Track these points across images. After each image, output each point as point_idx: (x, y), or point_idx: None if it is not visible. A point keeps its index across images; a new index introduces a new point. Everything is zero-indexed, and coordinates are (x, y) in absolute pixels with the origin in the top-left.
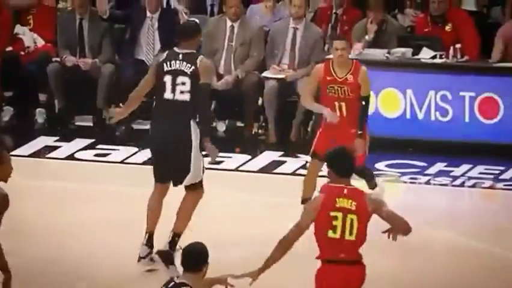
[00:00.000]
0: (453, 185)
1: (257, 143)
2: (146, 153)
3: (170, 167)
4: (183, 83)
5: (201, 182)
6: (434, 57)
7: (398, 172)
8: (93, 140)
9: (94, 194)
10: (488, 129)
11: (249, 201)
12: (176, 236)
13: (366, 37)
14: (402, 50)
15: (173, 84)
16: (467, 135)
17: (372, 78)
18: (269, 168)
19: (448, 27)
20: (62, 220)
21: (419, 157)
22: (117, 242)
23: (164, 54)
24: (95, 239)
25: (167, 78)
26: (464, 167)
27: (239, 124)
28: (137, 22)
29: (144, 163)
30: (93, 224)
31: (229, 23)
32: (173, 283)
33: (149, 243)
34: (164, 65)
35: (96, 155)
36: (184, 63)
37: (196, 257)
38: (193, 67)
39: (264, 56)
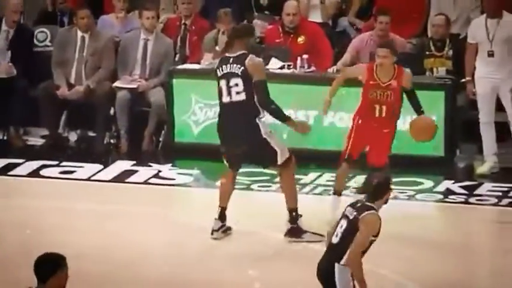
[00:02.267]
0: (302, 192)
1: (109, 152)
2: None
3: (244, 159)
4: (236, 84)
5: (289, 158)
6: (282, 67)
7: (249, 180)
8: None
9: None
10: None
11: (101, 211)
12: (292, 211)
13: (217, 47)
14: None
15: (228, 87)
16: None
17: None
18: (121, 178)
19: (300, 39)
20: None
21: None
22: None
23: (217, 61)
24: None
25: (222, 83)
26: (313, 175)
27: (91, 134)
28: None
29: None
30: None
31: (80, 34)
32: None
33: (222, 217)
34: (217, 71)
35: None
36: (234, 65)
37: (47, 267)
38: (242, 67)
39: (116, 66)
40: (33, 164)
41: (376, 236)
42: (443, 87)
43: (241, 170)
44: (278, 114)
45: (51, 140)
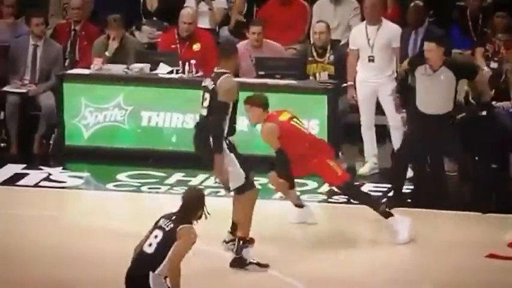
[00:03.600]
0: None
1: None
2: None
3: None
4: (205, 99)
5: (246, 187)
6: (171, 72)
7: (139, 182)
8: None
9: None
10: None
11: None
12: (240, 239)
13: (107, 53)
14: (141, 65)
15: (202, 100)
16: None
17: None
18: (12, 181)
19: (195, 47)
20: None
21: (158, 168)
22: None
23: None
24: None
25: (202, 94)
26: (201, 177)
27: None
28: None
29: None
30: None
31: None
32: None
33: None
34: (203, 82)
35: None
36: (212, 81)
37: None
38: (214, 85)
39: (6, 71)
40: None
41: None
42: (325, 92)
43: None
44: (216, 140)
45: None
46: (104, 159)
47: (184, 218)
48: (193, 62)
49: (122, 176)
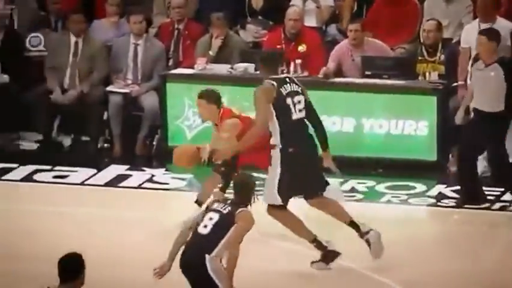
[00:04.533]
0: None
1: (102, 157)
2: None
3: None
4: (299, 102)
5: None
6: None
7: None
8: None
9: None
10: None
11: (95, 216)
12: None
13: (210, 52)
14: (245, 65)
15: (294, 104)
16: None
17: None
18: (115, 182)
19: (301, 48)
20: None
21: None
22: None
23: (274, 83)
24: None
25: (289, 101)
26: None
27: (84, 138)
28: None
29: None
30: None
31: (73, 39)
32: None
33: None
34: (281, 90)
35: None
36: (293, 84)
37: (73, 267)
38: (300, 87)
39: (109, 71)
40: (27, 169)
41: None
42: (436, 92)
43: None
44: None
45: (44, 144)
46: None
47: (240, 202)
48: (298, 61)
49: None
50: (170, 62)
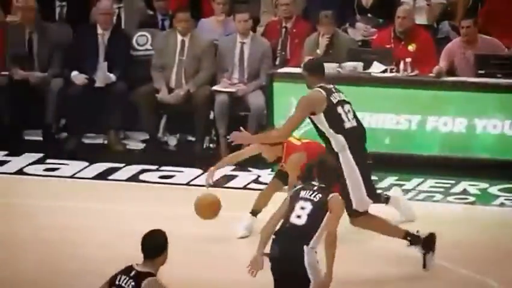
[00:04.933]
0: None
1: (208, 157)
2: (96, 168)
3: None
4: (349, 111)
5: None
6: (384, 71)
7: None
8: (42, 155)
9: (41, 209)
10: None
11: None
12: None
13: (318, 51)
14: (354, 64)
15: (345, 112)
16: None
17: None
18: (220, 183)
19: (411, 47)
20: (7, 235)
21: None
22: (62, 261)
23: (323, 92)
24: (45, 256)
25: (340, 110)
26: (415, 181)
27: (190, 138)
28: (87, 38)
29: (94, 178)
30: (39, 239)
31: (179, 37)
32: (135, 271)
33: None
34: (331, 98)
35: (45, 170)
36: (339, 93)
37: (155, 245)
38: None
39: (215, 70)
40: (133, 169)
41: None
42: None
43: None
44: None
45: (150, 144)
46: None
47: (327, 187)
48: (408, 60)
49: None
50: (277, 61)
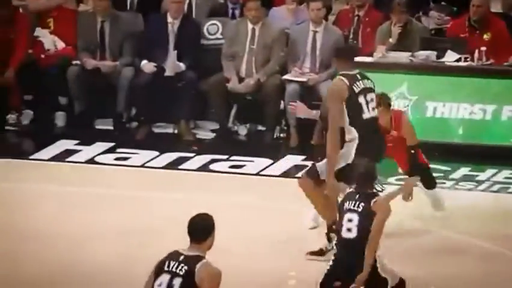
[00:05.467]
0: (478, 190)
1: (279, 147)
2: (166, 157)
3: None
4: (372, 100)
5: None
6: (458, 60)
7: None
8: (113, 144)
9: (113, 198)
10: None
11: (270, 206)
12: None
13: (390, 40)
14: (427, 52)
15: (367, 101)
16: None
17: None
18: (291, 173)
19: (486, 36)
20: (80, 225)
21: (443, 161)
22: (132, 248)
23: (346, 80)
24: (112, 244)
25: (361, 99)
26: (489, 172)
27: (260, 128)
28: (157, 27)
29: (164, 167)
30: (111, 229)
31: (250, 26)
32: (183, 256)
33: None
34: (353, 87)
35: (116, 159)
36: (365, 80)
37: (203, 228)
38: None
39: (286, 59)
40: (203, 158)
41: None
42: None
43: None
44: None
45: (220, 133)
46: None
47: (368, 192)
48: (483, 49)
49: None
50: None
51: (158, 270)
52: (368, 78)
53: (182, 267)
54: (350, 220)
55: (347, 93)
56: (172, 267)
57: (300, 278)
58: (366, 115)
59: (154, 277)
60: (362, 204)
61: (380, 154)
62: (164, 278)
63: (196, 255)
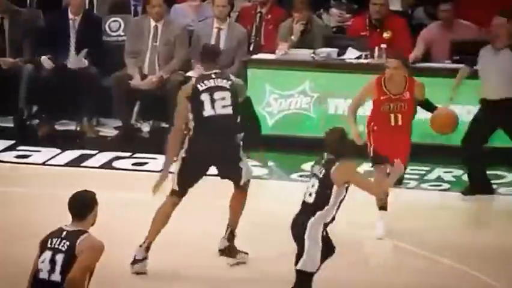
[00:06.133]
0: None
1: (182, 143)
2: (69, 155)
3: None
4: (223, 98)
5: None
6: (359, 57)
7: None
8: (14, 141)
9: (13, 196)
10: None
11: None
12: (233, 231)
13: (292, 37)
14: (328, 50)
15: (212, 101)
16: None
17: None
18: None
19: (386, 34)
20: None
21: None
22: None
23: (193, 80)
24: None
25: (205, 97)
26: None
27: (164, 125)
28: (58, 23)
29: (67, 165)
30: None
31: (152, 23)
32: (66, 232)
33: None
34: (198, 86)
35: (17, 157)
36: (219, 79)
37: (83, 204)
38: (230, 82)
39: (189, 56)
40: (106, 156)
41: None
42: None
43: None
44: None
45: (124, 131)
46: (288, 149)
47: (333, 159)
48: (383, 46)
49: (308, 166)
50: (252, 47)
51: (42, 247)
52: (228, 79)
53: (64, 243)
54: (312, 185)
55: (190, 91)
56: (55, 244)
57: (202, 275)
58: (208, 113)
59: (39, 254)
60: (323, 170)
61: (211, 152)
62: (47, 254)
63: (78, 229)
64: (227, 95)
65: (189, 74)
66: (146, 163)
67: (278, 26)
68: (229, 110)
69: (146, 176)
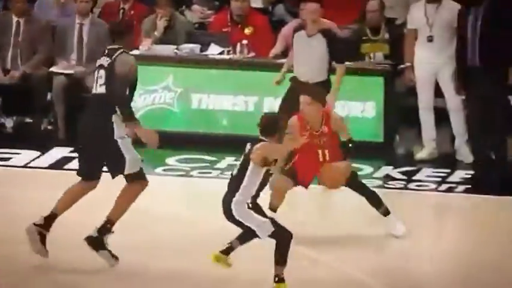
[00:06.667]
0: None
1: (46, 139)
2: None
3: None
4: (101, 77)
5: (140, 176)
6: (221, 53)
7: (188, 167)
8: None
9: None
10: None
11: (38, 198)
12: (108, 223)
13: (155, 33)
14: (191, 46)
15: (96, 79)
16: None
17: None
18: (59, 165)
19: (248, 30)
20: None
21: (209, 152)
22: None
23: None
24: None
25: (95, 76)
26: None
27: (28, 120)
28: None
29: None
30: None
31: (15, 19)
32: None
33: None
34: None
35: None
36: (105, 57)
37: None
38: (110, 60)
39: (53, 51)
40: None
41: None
42: (383, 73)
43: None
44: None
45: None
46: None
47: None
48: (245, 42)
49: (171, 160)
50: None
51: None
52: (110, 56)
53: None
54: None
55: None
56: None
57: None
58: (93, 91)
59: None
60: (249, 148)
61: (85, 133)
62: None
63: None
64: (103, 73)
65: (53, 69)
66: (10, 158)
67: (141, 22)
68: (103, 89)
69: (10, 171)
